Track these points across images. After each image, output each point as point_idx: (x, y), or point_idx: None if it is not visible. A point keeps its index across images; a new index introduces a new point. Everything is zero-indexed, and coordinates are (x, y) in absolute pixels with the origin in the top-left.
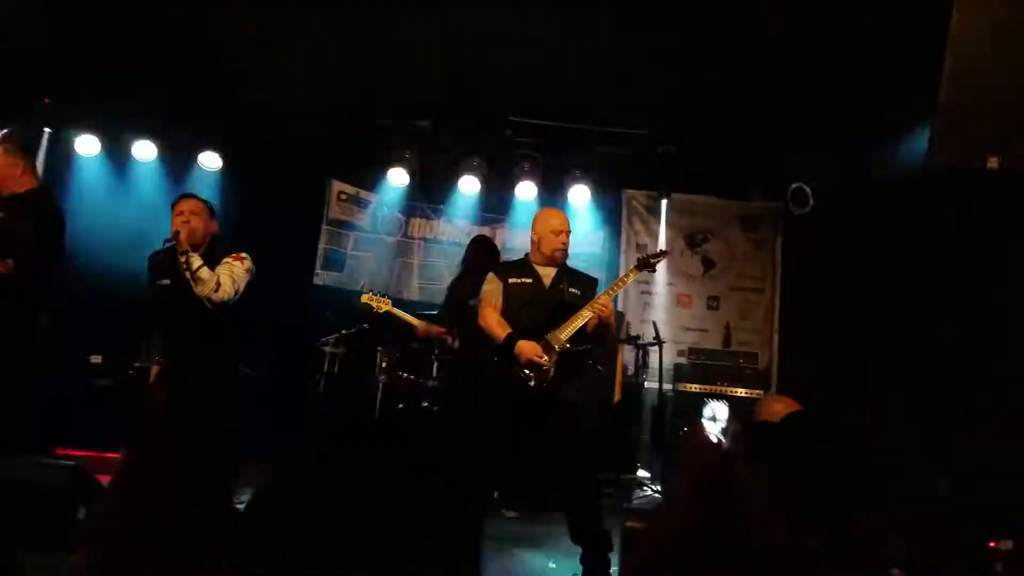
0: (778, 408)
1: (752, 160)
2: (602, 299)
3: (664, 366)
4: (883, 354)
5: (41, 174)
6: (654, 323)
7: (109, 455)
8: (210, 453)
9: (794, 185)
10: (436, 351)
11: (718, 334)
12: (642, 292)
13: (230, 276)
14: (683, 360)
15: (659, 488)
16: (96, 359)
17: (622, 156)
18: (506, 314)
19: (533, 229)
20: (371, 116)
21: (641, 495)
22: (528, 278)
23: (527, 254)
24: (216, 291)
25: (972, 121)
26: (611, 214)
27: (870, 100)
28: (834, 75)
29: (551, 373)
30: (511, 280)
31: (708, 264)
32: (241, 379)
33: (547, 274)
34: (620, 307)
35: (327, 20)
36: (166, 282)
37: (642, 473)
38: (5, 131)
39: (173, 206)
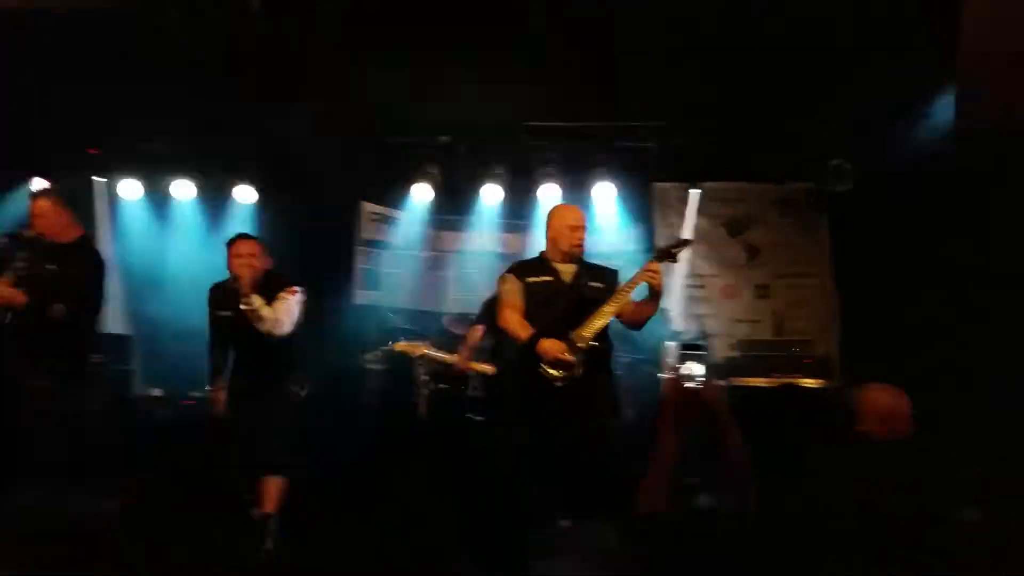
0: (885, 401)
1: (784, 141)
2: (640, 276)
3: (716, 361)
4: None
5: (104, 221)
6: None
7: None
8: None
9: (833, 162)
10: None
11: (769, 324)
12: (688, 285)
13: (287, 311)
14: (736, 354)
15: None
16: (156, 392)
17: (647, 150)
18: (526, 314)
19: (548, 226)
20: (393, 137)
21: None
22: (547, 276)
23: (542, 252)
24: (276, 327)
25: (995, 79)
26: (642, 210)
27: (894, 69)
28: (855, 47)
29: (579, 371)
30: (529, 279)
31: (752, 252)
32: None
33: (566, 271)
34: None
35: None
36: (228, 313)
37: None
38: (48, 186)
39: (229, 246)
